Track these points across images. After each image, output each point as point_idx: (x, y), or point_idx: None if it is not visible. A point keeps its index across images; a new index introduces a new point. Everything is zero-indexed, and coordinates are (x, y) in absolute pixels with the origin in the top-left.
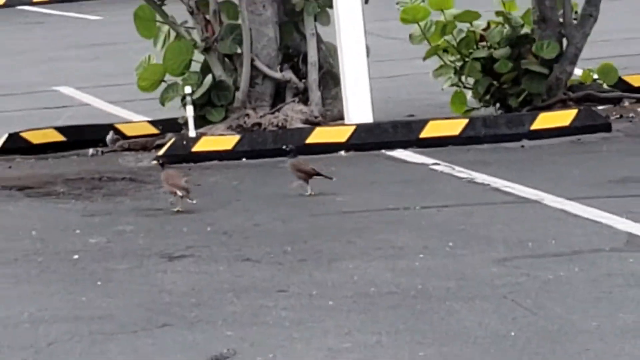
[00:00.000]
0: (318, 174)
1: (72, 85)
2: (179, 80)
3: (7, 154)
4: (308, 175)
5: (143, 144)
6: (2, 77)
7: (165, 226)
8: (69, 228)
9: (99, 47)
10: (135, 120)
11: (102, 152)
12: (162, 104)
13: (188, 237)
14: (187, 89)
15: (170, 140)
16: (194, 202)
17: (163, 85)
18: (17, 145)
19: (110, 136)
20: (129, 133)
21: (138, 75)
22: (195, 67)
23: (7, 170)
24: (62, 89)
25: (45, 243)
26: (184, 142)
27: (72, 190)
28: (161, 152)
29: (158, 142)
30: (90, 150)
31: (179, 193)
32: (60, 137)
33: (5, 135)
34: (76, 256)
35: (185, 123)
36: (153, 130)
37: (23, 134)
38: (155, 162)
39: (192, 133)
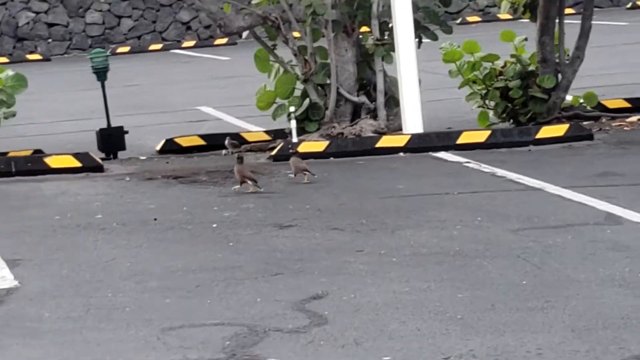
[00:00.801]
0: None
1: (210, 105)
2: (286, 102)
3: (164, 154)
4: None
5: (260, 147)
6: (160, 100)
7: (277, 204)
8: (209, 205)
9: (229, 79)
10: (254, 130)
11: (232, 152)
12: (274, 118)
13: (293, 212)
14: (292, 108)
15: (279, 144)
16: (261, 189)
17: (274, 106)
18: (171, 148)
19: (227, 140)
20: (250, 139)
21: (257, 99)
22: (297, 93)
23: (165, 164)
24: (202, 108)
25: (193, 216)
26: (289, 146)
27: (211, 179)
28: (273, 152)
29: (271, 145)
30: (224, 151)
31: (249, 182)
32: (202, 142)
33: (163, 140)
34: (214, 225)
35: (290, 132)
36: (267, 137)
37: (176, 139)
38: (267, 159)
39: (295, 139)
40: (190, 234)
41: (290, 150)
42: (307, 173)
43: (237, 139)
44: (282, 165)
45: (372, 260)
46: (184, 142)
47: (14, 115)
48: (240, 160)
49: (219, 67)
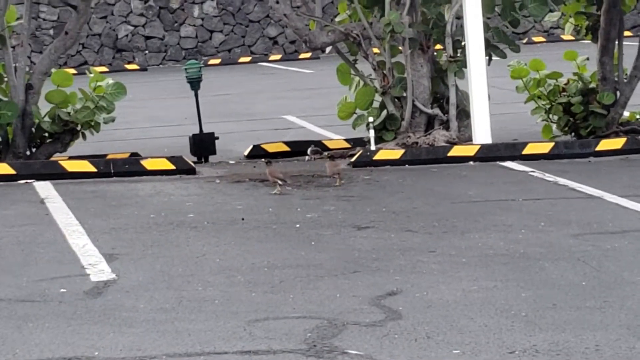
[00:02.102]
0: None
1: (294, 115)
2: (365, 113)
3: (252, 159)
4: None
5: (341, 154)
6: (248, 108)
7: (355, 207)
8: (293, 207)
9: (312, 90)
10: (335, 139)
11: (314, 159)
12: (354, 128)
13: (370, 215)
14: (370, 119)
15: (359, 151)
16: (291, 189)
17: (354, 116)
18: (258, 153)
19: (310, 148)
20: (331, 147)
21: (338, 109)
22: (376, 104)
23: (252, 169)
24: (287, 117)
25: (278, 216)
26: (368, 153)
27: (295, 183)
28: (353, 159)
29: (351, 152)
30: (307, 157)
31: (280, 182)
32: (286, 148)
33: (251, 146)
34: (298, 225)
35: (369, 141)
36: (347, 145)
37: (262, 145)
38: (310, 156)
39: (373, 147)
40: (275, 233)
41: (265, 161)
42: (339, 177)
43: (319, 146)
44: (362, 171)
45: (443, 260)
46: (270, 148)
47: (113, 120)
48: (269, 163)
49: (303, 79)
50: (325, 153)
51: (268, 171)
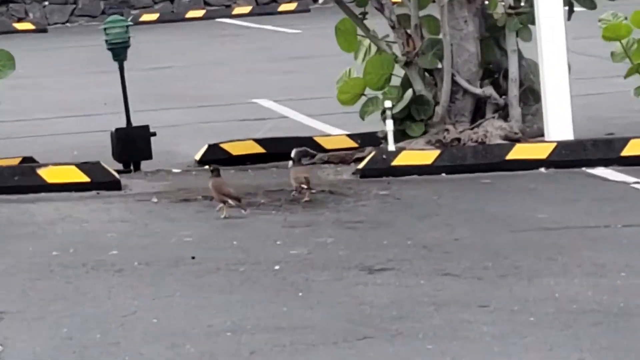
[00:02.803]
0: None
1: (271, 98)
2: (379, 94)
3: (207, 164)
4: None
5: (342, 157)
6: (201, 88)
7: (365, 238)
8: (269, 239)
9: (297, 60)
10: (334, 134)
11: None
12: (362, 117)
13: (388, 250)
14: (387, 103)
15: (369, 153)
16: (245, 211)
17: (363, 99)
18: (216, 156)
19: (296, 150)
20: (327, 146)
21: (338, 89)
22: (396, 81)
23: (207, 181)
24: (260, 101)
25: (247, 253)
26: (384, 156)
27: (273, 202)
28: (361, 165)
29: (357, 155)
30: (290, 163)
31: (230, 202)
32: (259, 149)
33: (205, 147)
34: (277, 267)
35: (385, 137)
36: (352, 143)
37: (223, 145)
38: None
39: (391, 147)
40: (242, 279)
41: (210, 168)
42: (306, 189)
43: (310, 145)
44: (374, 183)
45: (500, 320)
46: (234, 148)
47: None
48: (215, 172)
49: (284, 43)
50: (319, 157)
51: (212, 184)
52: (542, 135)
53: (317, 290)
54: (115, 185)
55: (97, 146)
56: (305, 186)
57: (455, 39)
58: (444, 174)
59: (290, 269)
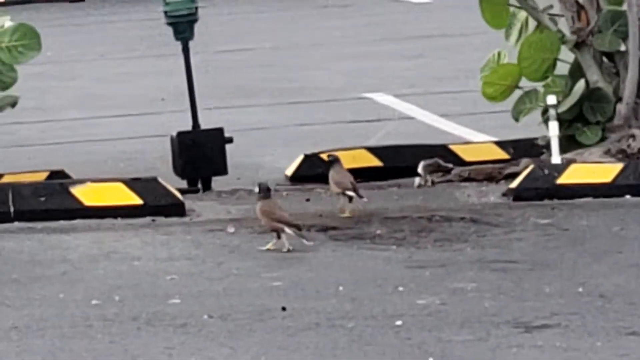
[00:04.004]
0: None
1: (389, 92)
2: (539, 86)
3: (303, 181)
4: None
5: (488, 173)
6: (294, 78)
7: (520, 285)
8: (388, 283)
9: (426, 40)
10: (477, 141)
11: (433, 183)
12: (516, 119)
13: (552, 301)
14: (551, 99)
15: (526, 168)
16: (311, 243)
17: (517, 93)
18: (316, 171)
19: (424, 162)
20: (468, 158)
21: (483, 80)
22: (562, 69)
23: (304, 203)
24: (374, 95)
25: (357, 303)
26: (545, 172)
27: (393, 233)
28: (514, 184)
29: (509, 170)
30: (417, 180)
31: (287, 230)
32: (374, 161)
33: (300, 158)
34: (399, 322)
35: (547, 145)
36: (501, 154)
37: (323, 156)
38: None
39: (556, 159)
40: (351, 338)
41: (259, 188)
42: (352, 194)
43: (443, 156)
44: (533, 208)
45: None
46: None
47: (14, 104)
48: (265, 193)
49: (408, 17)
50: (456, 171)
51: (260, 209)
52: None
53: (454, 354)
54: (177, 209)
55: (151, 157)
56: (351, 193)
57: None
58: (628, 196)
59: (416, 325)
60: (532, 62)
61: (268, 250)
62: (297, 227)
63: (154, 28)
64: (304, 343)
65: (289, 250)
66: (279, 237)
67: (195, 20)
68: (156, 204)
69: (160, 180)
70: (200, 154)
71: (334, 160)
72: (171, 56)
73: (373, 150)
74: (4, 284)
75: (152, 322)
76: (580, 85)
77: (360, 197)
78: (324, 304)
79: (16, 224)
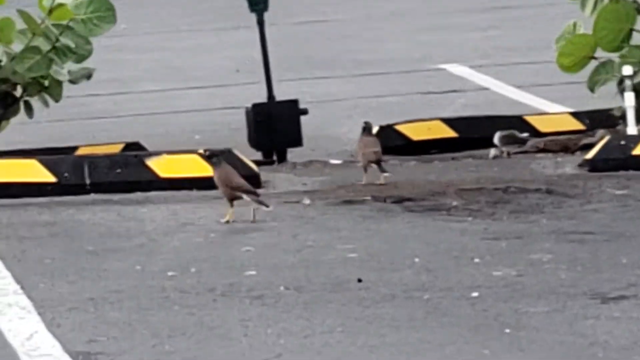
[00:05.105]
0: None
1: (464, 63)
2: (614, 57)
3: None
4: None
5: (564, 144)
6: (368, 50)
7: (597, 256)
8: (464, 255)
9: (501, 11)
10: (552, 112)
11: (509, 154)
12: (591, 89)
13: (629, 272)
14: (627, 70)
15: (601, 139)
16: (270, 208)
17: (593, 64)
18: (391, 142)
19: (500, 133)
20: (543, 129)
21: (558, 50)
22: (639, 39)
23: (379, 175)
24: (449, 67)
25: (433, 275)
26: (622, 142)
27: (468, 205)
28: (590, 154)
29: (585, 141)
30: (492, 151)
31: (245, 197)
32: (449, 132)
33: (376, 129)
34: (475, 293)
35: (623, 116)
36: (577, 125)
37: (399, 127)
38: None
39: (632, 130)
40: (427, 310)
41: (206, 153)
42: (378, 166)
43: (519, 127)
44: (608, 180)
45: None
46: (415, 131)
47: (89, 76)
48: (216, 160)
49: None
50: (532, 143)
51: (217, 176)
52: None
53: (530, 325)
54: (252, 181)
55: (226, 128)
56: (374, 165)
57: None
58: None
59: (492, 296)
60: (608, 33)
61: (227, 222)
62: (254, 194)
63: (229, 0)
64: (380, 315)
65: (228, 222)
66: (230, 202)
67: None
68: None
69: (235, 151)
70: (275, 126)
71: (366, 128)
72: (246, 28)
73: (448, 121)
74: (80, 256)
75: (228, 293)
76: None
77: (383, 170)
78: (400, 276)
79: (92, 196)
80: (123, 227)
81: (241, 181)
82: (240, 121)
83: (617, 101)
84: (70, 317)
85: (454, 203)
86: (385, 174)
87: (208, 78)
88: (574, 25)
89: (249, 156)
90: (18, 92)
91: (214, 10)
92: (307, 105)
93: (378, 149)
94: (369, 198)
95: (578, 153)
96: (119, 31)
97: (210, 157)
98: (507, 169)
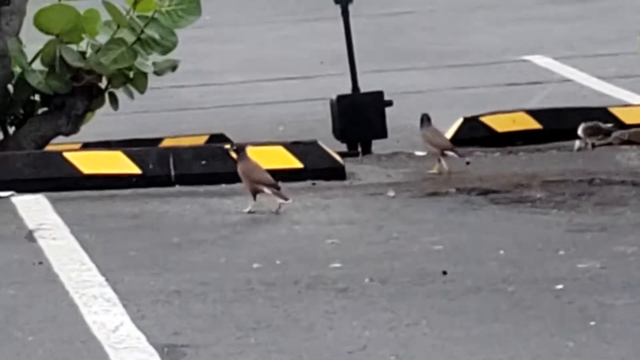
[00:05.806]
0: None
1: (549, 54)
2: None
3: (463, 144)
4: None
5: None
6: (453, 41)
7: None
8: (549, 247)
9: (585, 2)
10: (637, 103)
11: (593, 146)
12: None
13: None
14: None
15: None
16: (289, 201)
17: None
18: (476, 134)
19: (584, 125)
20: (628, 120)
21: None
22: None
23: (464, 167)
24: (534, 58)
25: (518, 267)
26: None
27: (553, 197)
28: None
29: None
30: (577, 143)
31: (266, 190)
32: (534, 124)
33: (460, 120)
34: (560, 286)
35: None
36: None
37: (483, 119)
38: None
39: None
40: (511, 303)
41: (233, 147)
42: (452, 153)
43: (603, 118)
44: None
45: None
46: (499, 123)
47: (174, 68)
48: (240, 152)
49: None
50: (616, 134)
51: (241, 170)
52: None
53: (616, 319)
54: (337, 173)
55: (311, 120)
56: (450, 152)
57: None
58: None
59: (577, 289)
60: None
61: (249, 212)
62: (275, 187)
63: None
64: (465, 307)
65: (250, 212)
66: (254, 195)
67: None
68: (316, 168)
69: (320, 143)
70: (360, 118)
71: (425, 119)
72: (330, 19)
73: (533, 112)
74: (166, 248)
75: (313, 286)
76: None
77: (461, 155)
78: (485, 268)
79: (177, 187)
80: (208, 219)
81: (263, 175)
82: (324, 112)
83: None
84: (155, 310)
85: (539, 195)
86: (466, 159)
87: (292, 69)
88: None
89: (333, 148)
90: (103, 83)
91: (298, 2)
92: (392, 96)
93: (445, 136)
94: (453, 190)
95: None
96: (204, 22)
97: (237, 151)
98: (592, 161)
